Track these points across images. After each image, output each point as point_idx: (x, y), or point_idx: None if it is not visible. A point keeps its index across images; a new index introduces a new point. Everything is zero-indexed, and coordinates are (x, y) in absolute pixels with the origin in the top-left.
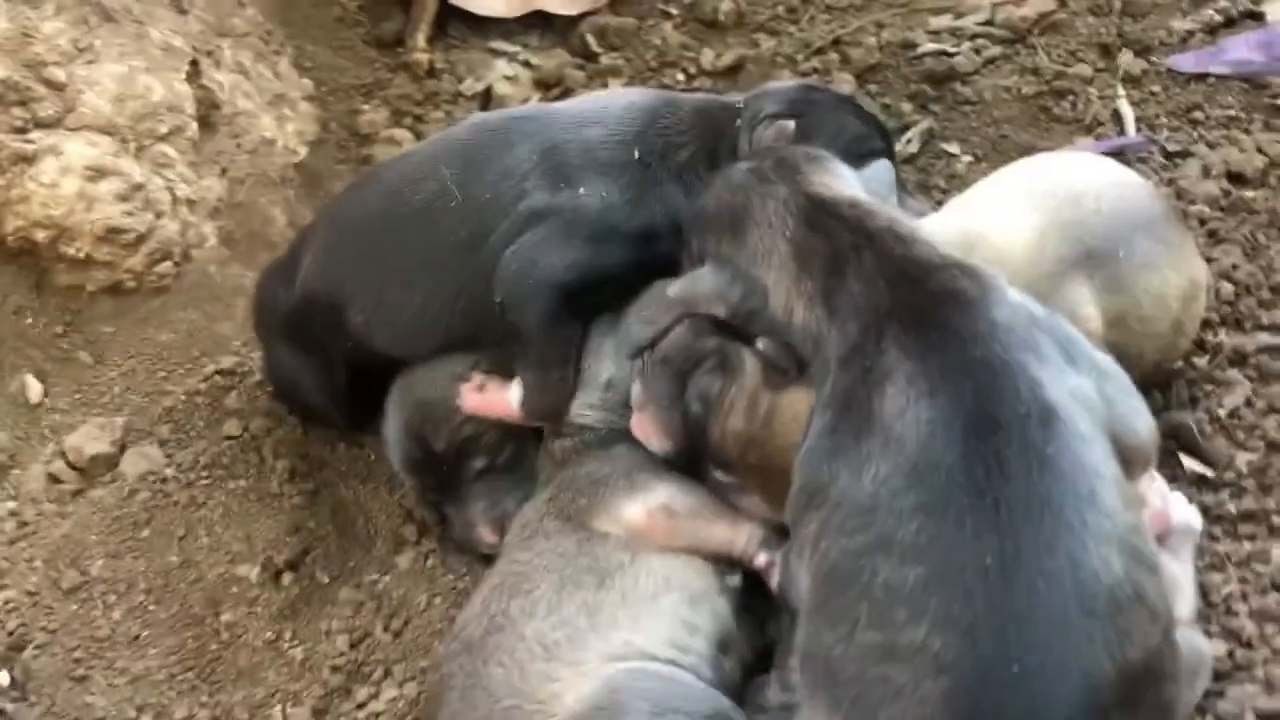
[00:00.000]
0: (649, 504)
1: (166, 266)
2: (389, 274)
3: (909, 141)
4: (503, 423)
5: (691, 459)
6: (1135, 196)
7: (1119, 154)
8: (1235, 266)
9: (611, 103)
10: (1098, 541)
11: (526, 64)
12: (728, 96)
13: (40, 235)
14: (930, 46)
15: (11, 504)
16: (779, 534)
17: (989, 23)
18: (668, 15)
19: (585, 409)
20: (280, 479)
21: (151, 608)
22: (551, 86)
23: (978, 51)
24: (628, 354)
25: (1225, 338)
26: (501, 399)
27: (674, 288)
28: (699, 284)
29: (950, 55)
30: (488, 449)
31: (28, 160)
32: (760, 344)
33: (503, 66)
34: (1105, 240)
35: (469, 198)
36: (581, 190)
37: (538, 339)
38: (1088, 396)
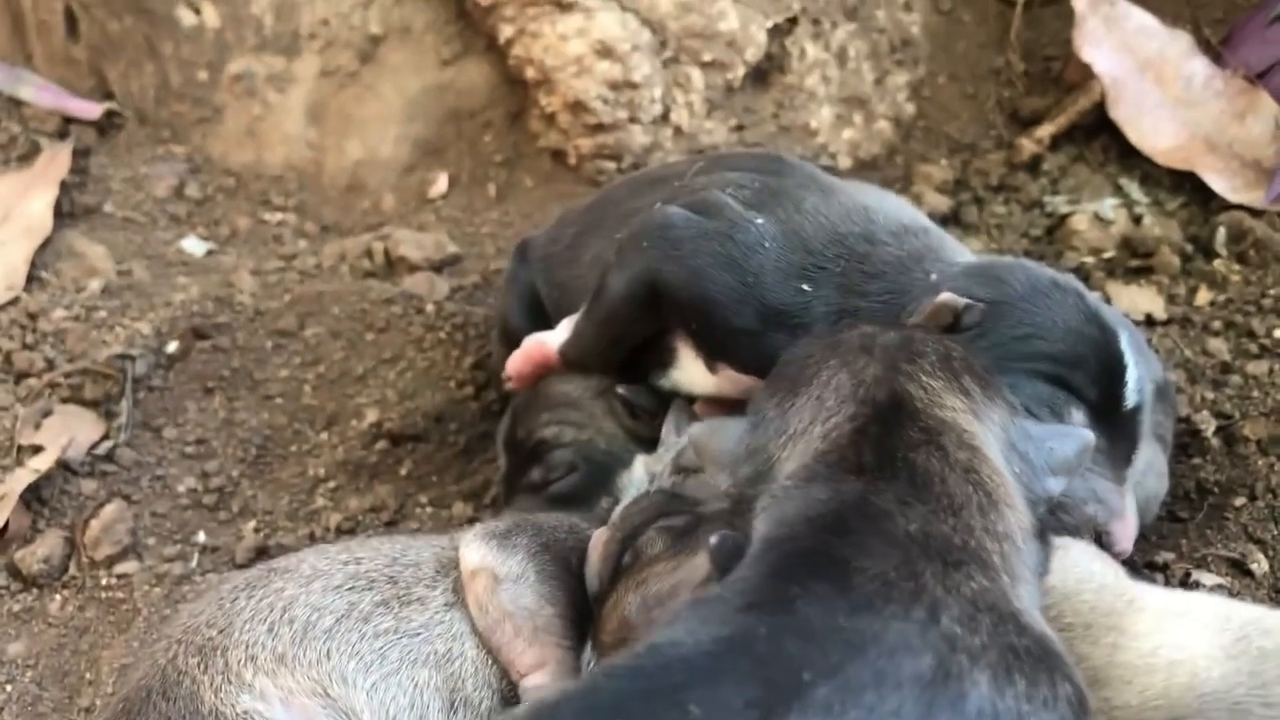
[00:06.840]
0: (486, 560)
1: (609, 165)
2: (585, 242)
3: None
4: (581, 448)
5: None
6: None
7: None
8: None
9: (863, 204)
10: None
11: (1135, 216)
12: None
13: (529, 73)
14: None
15: None
16: None
17: None
18: None
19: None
20: None
21: None
22: (1137, 254)
23: None
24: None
25: None
26: (543, 339)
27: (697, 428)
28: (718, 439)
29: None
30: (551, 465)
31: (560, 7)
32: (715, 538)
33: (1109, 203)
34: None
35: (682, 186)
36: (759, 220)
37: (612, 298)
38: None
